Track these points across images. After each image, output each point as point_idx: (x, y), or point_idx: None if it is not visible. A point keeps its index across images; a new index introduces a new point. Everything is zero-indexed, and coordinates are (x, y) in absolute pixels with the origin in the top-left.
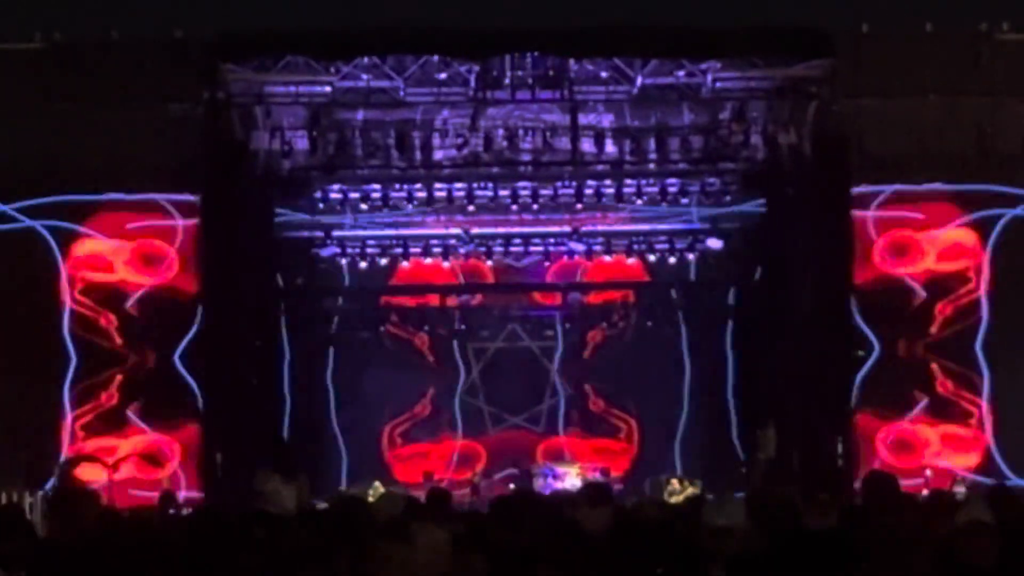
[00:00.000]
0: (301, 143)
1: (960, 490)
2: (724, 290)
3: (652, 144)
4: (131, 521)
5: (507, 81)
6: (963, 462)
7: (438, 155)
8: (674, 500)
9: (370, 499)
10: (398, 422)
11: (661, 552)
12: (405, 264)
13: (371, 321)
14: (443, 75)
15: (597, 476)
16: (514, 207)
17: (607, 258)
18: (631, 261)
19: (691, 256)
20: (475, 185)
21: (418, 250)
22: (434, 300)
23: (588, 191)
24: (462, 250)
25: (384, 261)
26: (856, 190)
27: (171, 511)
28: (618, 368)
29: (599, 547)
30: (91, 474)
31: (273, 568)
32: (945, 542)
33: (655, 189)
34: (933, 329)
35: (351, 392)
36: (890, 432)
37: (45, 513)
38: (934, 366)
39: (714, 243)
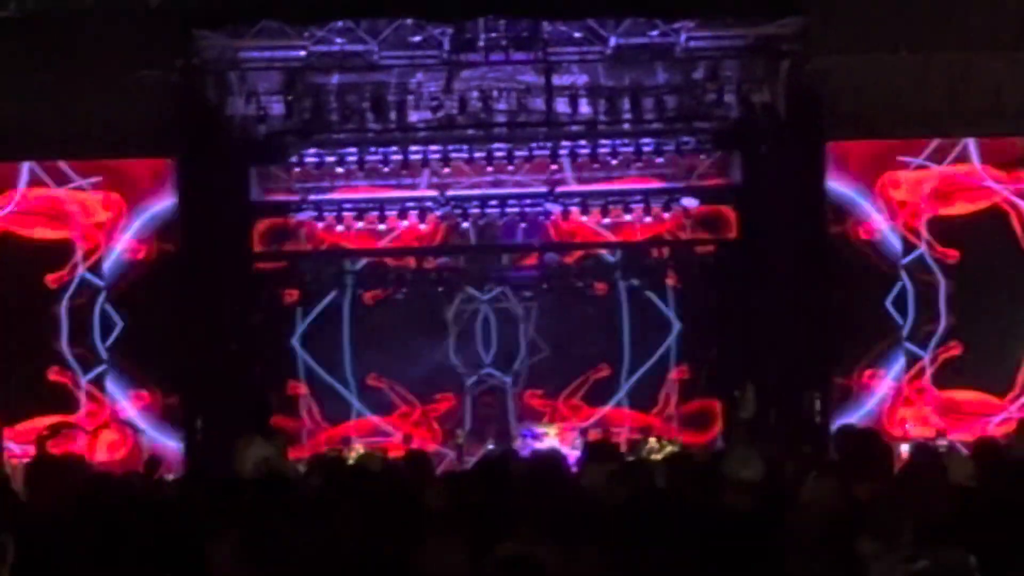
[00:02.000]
0: (277, 108)
1: (943, 442)
2: (699, 249)
3: (627, 104)
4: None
5: (481, 43)
6: None
7: (413, 118)
8: (654, 458)
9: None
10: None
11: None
12: (383, 227)
13: (346, 283)
14: (417, 38)
15: (576, 437)
16: (489, 168)
17: (584, 218)
18: (606, 220)
19: (667, 215)
20: (450, 147)
21: (394, 213)
22: (411, 262)
23: (563, 151)
24: (438, 212)
25: (360, 224)
26: None
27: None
28: (597, 328)
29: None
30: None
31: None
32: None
33: (630, 149)
34: None
35: (324, 354)
36: None
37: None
38: None
39: (689, 202)
